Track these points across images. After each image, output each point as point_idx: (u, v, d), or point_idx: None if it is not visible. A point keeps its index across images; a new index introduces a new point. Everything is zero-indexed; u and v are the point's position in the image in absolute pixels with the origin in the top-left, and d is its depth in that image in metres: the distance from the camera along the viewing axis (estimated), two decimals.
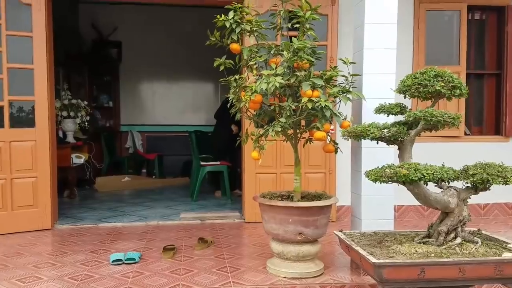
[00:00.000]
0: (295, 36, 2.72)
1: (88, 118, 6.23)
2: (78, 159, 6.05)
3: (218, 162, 5.61)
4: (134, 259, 3.16)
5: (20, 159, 4.03)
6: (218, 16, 2.64)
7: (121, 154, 8.03)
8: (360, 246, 2.34)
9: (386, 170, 2.17)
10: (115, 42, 7.74)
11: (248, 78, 2.88)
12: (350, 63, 2.70)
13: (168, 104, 8.31)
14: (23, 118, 4.22)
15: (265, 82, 2.50)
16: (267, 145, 2.79)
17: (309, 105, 2.46)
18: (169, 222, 4.46)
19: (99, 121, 7.64)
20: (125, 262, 3.14)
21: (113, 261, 3.13)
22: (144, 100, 8.35)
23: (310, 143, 3.01)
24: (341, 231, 2.60)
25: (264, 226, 2.94)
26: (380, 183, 2.21)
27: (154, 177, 7.57)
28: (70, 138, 6.03)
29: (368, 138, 2.44)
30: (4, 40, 3.91)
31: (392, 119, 2.74)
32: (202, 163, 5.55)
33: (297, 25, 2.70)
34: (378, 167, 2.32)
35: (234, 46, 2.68)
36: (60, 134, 5.79)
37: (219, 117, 6.08)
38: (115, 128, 8.04)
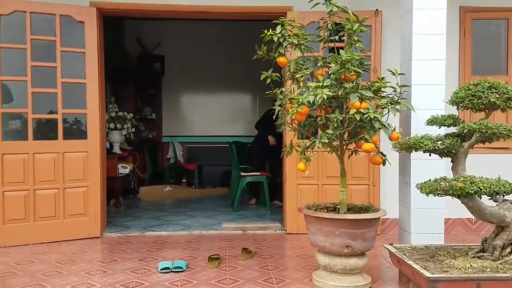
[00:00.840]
0: (341, 48, 2.74)
1: (133, 129, 6.45)
2: (124, 169, 6.26)
3: (258, 173, 5.65)
4: (181, 267, 3.23)
5: (72, 169, 4.21)
6: (266, 31, 2.70)
7: (162, 164, 8.24)
8: (412, 260, 2.30)
9: (441, 183, 2.14)
10: (158, 56, 8.00)
11: (294, 90, 2.91)
12: (399, 74, 2.68)
13: (208, 116, 8.48)
14: (75, 130, 4.43)
15: (312, 94, 2.53)
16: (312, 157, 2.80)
17: (357, 117, 2.46)
18: (211, 231, 4.53)
19: (143, 133, 7.88)
20: (173, 270, 3.21)
21: (161, 269, 3.22)
22: (185, 112, 8.57)
23: (355, 155, 3.00)
24: (391, 244, 2.56)
25: (310, 238, 2.94)
26: (435, 196, 2.17)
27: (193, 187, 7.72)
28: (117, 149, 6.25)
29: (421, 150, 2.40)
30: (59, 56, 4.12)
31: (442, 130, 2.69)
32: (242, 173, 5.61)
33: (343, 38, 2.72)
34: (430, 179, 2.28)
35: (281, 59, 2.72)
36: (107, 145, 6.02)
37: (259, 128, 6.17)
38: (157, 139, 8.28)
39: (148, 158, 7.52)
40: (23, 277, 3.13)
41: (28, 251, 3.82)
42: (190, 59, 8.13)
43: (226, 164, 7.54)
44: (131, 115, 6.51)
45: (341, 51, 2.58)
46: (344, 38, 2.70)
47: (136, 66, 7.80)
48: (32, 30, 4.01)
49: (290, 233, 4.39)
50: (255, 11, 4.35)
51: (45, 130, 4.27)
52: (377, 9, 4.23)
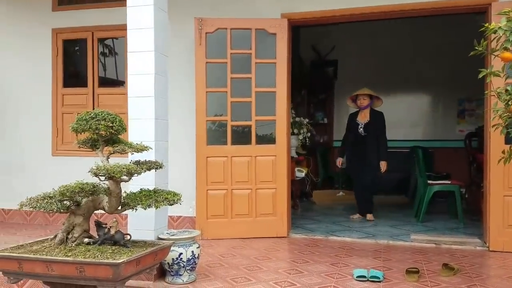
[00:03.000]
0: None
1: (308, 134, 6.60)
2: (300, 172, 6.46)
3: (449, 181, 5.16)
4: (378, 277, 3.13)
5: (262, 172, 4.50)
6: (487, 24, 2.42)
7: (334, 169, 8.24)
8: None
9: None
10: (331, 61, 8.06)
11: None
12: None
13: None
14: (265, 136, 4.73)
15: None
16: None
17: None
18: (399, 242, 4.30)
19: (315, 137, 8.03)
20: (369, 279, 3.13)
21: (357, 277, 3.17)
22: None
23: None
24: None
25: None
26: None
27: None
28: (293, 153, 6.48)
29: None
30: (253, 68, 4.45)
31: None
32: (429, 181, 5.20)
33: None
34: None
35: (507, 55, 2.40)
36: None
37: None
38: (329, 143, 8.33)
39: (320, 162, 7.62)
40: (229, 269, 3.44)
41: (228, 245, 4.19)
42: (364, 62, 7.95)
43: (402, 170, 7.15)
44: (307, 120, 6.68)
45: None
46: None
47: (309, 72, 7.99)
48: (231, 44, 4.43)
49: (494, 251, 3.88)
50: (452, 5, 3.99)
51: (240, 136, 4.66)
52: None
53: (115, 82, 5.39)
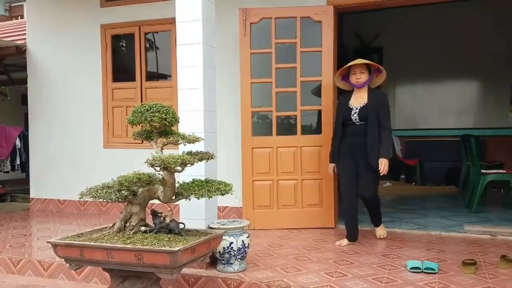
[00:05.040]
0: None
1: None
2: None
3: (504, 170, 4.93)
4: (433, 269, 3.03)
5: (308, 162, 4.46)
6: None
7: None
8: None
9: None
10: (376, 48, 7.84)
11: None
12: None
13: (429, 107, 7.88)
14: (311, 126, 4.69)
15: None
16: None
17: None
18: (452, 233, 4.16)
19: None
20: (424, 271, 3.05)
21: (410, 268, 3.09)
22: (403, 104, 8.17)
23: None
24: None
25: None
26: None
27: (413, 184, 7.32)
28: None
29: None
30: (298, 57, 4.41)
31: None
32: (483, 171, 4.98)
33: None
34: None
35: None
36: None
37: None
38: None
39: None
40: (278, 259, 3.45)
41: (274, 235, 4.21)
42: (411, 48, 7.68)
43: (451, 160, 6.91)
44: None
45: None
46: None
47: (353, 59, 7.81)
48: (276, 34, 4.39)
49: None
50: None
51: (286, 126, 4.65)
52: None
53: (161, 75, 5.51)
